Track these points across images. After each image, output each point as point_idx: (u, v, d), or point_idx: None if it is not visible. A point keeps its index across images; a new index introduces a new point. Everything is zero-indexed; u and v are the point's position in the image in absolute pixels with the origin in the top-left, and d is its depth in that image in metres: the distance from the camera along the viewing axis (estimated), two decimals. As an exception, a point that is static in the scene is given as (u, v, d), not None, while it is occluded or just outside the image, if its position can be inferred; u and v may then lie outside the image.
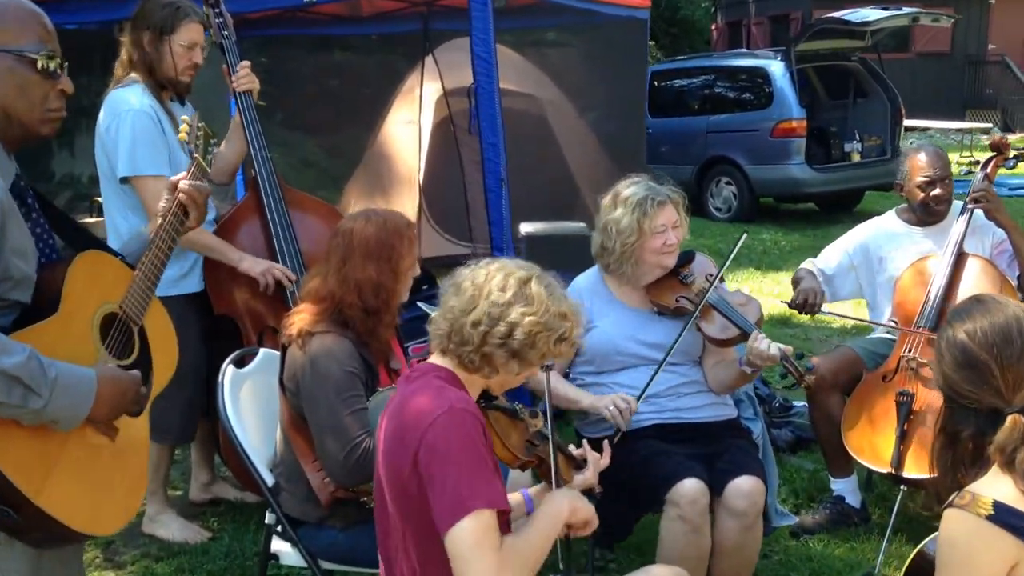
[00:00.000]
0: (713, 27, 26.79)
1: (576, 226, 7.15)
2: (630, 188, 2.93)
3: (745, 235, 3.19)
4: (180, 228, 2.20)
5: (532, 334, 1.87)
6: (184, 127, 2.34)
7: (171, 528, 3.55)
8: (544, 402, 2.08)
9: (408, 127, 6.98)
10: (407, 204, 6.84)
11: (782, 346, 2.79)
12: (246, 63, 3.45)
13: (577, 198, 6.91)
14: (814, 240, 9.45)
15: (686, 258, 3.02)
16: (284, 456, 2.60)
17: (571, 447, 2.29)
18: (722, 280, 3.01)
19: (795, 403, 4.37)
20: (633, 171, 6.99)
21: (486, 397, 2.02)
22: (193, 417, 3.51)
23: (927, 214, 3.56)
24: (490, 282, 1.89)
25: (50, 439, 1.79)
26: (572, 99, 6.75)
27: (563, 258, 6.55)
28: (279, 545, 2.65)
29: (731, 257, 3.06)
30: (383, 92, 6.96)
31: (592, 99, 6.90)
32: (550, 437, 2.07)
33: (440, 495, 1.77)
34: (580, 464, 2.21)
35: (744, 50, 15.10)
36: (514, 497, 2.13)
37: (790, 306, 3.46)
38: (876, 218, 3.77)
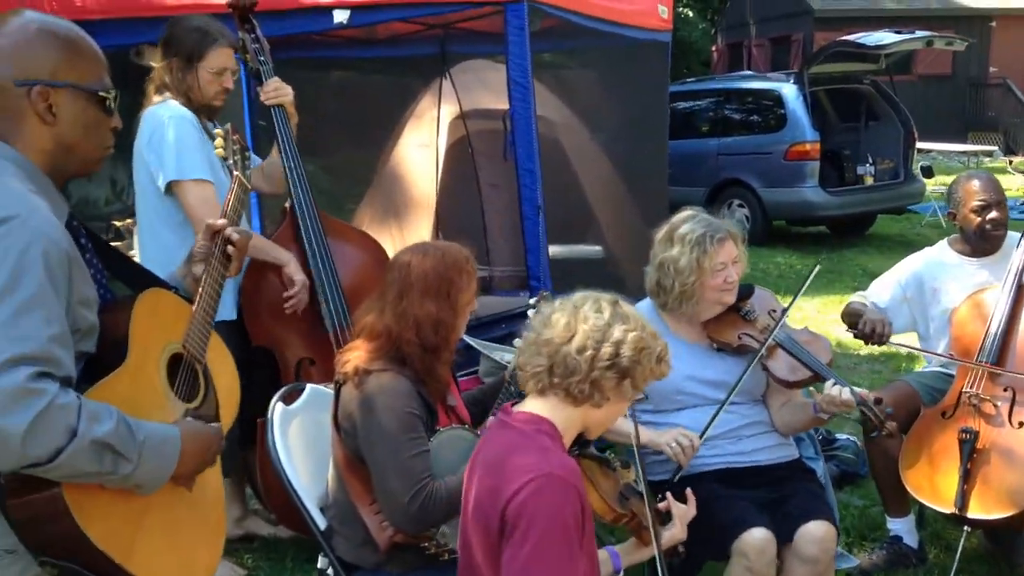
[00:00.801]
0: (713, 48, 26.88)
1: (592, 249, 7.12)
2: (687, 224, 2.82)
3: (818, 267, 3.08)
4: (224, 273, 2.11)
5: (638, 350, 1.83)
6: (219, 140, 2.26)
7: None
8: (632, 452, 1.98)
9: (421, 150, 6.90)
10: (422, 227, 6.75)
11: (859, 390, 2.68)
12: (276, 78, 3.37)
13: (592, 221, 6.85)
14: (829, 263, 9.40)
15: (745, 292, 2.91)
16: (337, 497, 2.49)
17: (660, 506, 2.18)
18: (784, 315, 2.90)
19: (839, 436, 4.27)
20: (653, 195, 7.00)
21: (580, 444, 1.92)
22: (233, 451, 3.40)
23: (983, 240, 3.47)
24: (582, 308, 1.86)
25: (133, 498, 1.70)
26: (587, 122, 6.68)
27: (578, 281, 6.50)
28: (330, 591, 2.54)
29: (800, 293, 2.95)
30: (395, 114, 6.88)
31: (609, 122, 6.83)
32: (644, 491, 1.96)
33: (511, 562, 1.69)
34: (665, 518, 2.11)
35: (752, 72, 15.07)
36: (600, 555, 2.03)
37: (856, 336, 3.35)
38: (927, 249, 3.68)
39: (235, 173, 2.22)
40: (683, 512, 2.14)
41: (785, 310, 2.85)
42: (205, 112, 3.28)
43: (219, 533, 2.04)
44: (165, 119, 3.14)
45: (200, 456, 1.82)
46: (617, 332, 1.83)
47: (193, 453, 1.78)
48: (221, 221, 2.10)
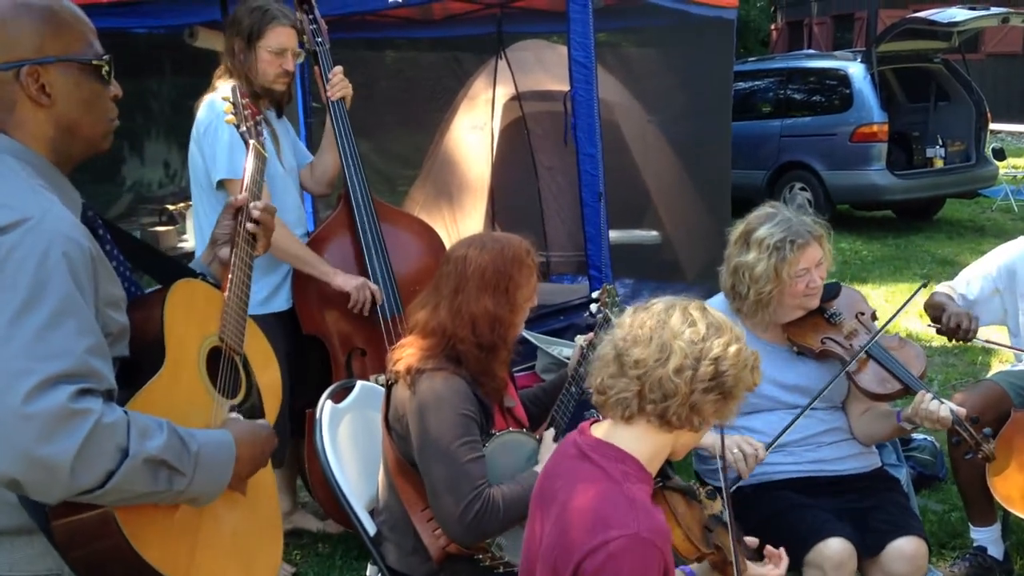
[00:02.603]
0: (773, 27, 26.24)
1: (648, 234, 6.93)
2: (765, 227, 2.57)
3: (924, 285, 2.89)
4: (252, 252, 1.94)
5: (739, 364, 1.62)
6: (227, 107, 2.09)
7: (251, 562, 3.34)
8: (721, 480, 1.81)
9: (475, 132, 6.76)
10: (476, 209, 6.62)
11: (956, 407, 2.46)
12: (339, 68, 3.25)
13: (649, 206, 6.66)
14: (896, 250, 9.08)
15: (831, 292, 2.69)
16: (388, 502, 2.36)
17: (743, 536, 2.01)
18: (874, 319, 2.69)
19: (915, 436, 4.03)
20: (715, 179, 6.79)
21: (662, 475, 1.75)
22: (283, 441, 3.30)
23: None
24: (671, 321, 1.63)
25: (187, 510, 1.57)
26: (647, 104, 6.48)
27: (635, 267, 6.36)
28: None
29: (903, 307, 2.72)
30: (449, 96, 6.76)
31: (670, 104, 6.62)
32: (730, 525, 1.79)
33: None
34: (751, 554, 1.94)
35: (814, 51, 14.61)
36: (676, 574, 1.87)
37: (939, 332, 3.10)
38: (1022, 238, 3.42)
39: (251, 142, 2.05)
40: (779, 558, 1.96)
41: (885, 324, 2.62)
42: (268, 98, 3.17)
43: (277, 530, 1.91)
44: (221, 114, 3.02)
45: (255, 459, 1.69)
46: (716, 347, 1.61)
47: (248, 457, 1.65)
48: (242, 196, 1.93)
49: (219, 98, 3.05)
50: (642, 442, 1.67)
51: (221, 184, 3.06)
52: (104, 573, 1.48)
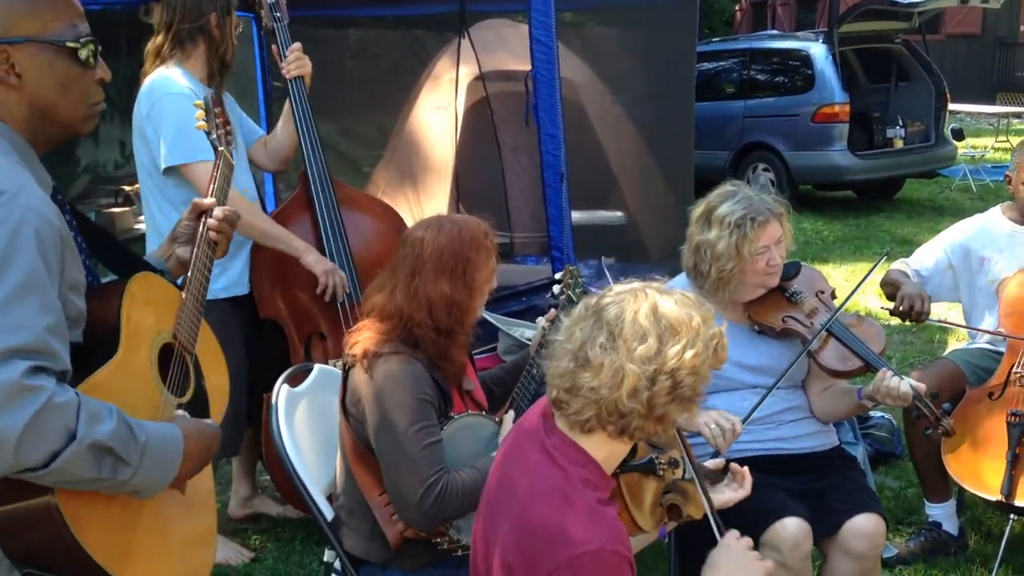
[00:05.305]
0: (737, 8, 26.28)
1: (613, 215, 6.94)
2: (726, 204, 2.56)
3: (885, 255, 2.92)
4: (212, 255, 1.94)
5: (696, 367, 1.57)
6: (199, 112, 2.08)
7: (211, 547, 3.31)
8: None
9: (439, 112, 6.70)
10: (440, 190, 6.58)
11: (916, 384, 2.47)
12: (296, 45, 3.19)
13: (614, 187, 6.67)
14: (857, 230, 9.16)
15: (791, 271, 2.70)
16: (346, 487, 2.34)
17: (707, 463, 2.03)
18: (834, 297, 2.70)
19: (873, 414, 4.08)
20: (678, 160, 6.80)
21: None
22: (239, 428, 3.27)
23: None
24: (622, 336, 1.56)
25: (127, 502, 1.55)
26: (610, 84, 6.46)
27: (599, 248, 6.36)
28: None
29: (862, 283, 2.74)
30: (412, 75, 6.69)
31: (633, 84, 6.61)
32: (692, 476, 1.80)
33: None
34: (716, 477, 1.96)
35: (777, 32, 14.67)
36: None
37: (892, 313, 3.13)
38: (978, 215, 3.46)
39: (219, 148, 2.06)
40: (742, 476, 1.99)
41: (840, 307, 2.63)
42: (223, 71, 3.12)
43: (211, 533, 1.91)
44: (164, 98, 2.96)
45: (200, 457, 1.67)
46: (671, 358, 1.54)
47: (194, 454, 1.63)
48: (209, 200, 1.94)
49: (159, 82, 2.99)
50: (601, 449, 1.65)
51: (169, 171, 3.00)
52: (40, 560, 1.47)
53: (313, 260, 3.11)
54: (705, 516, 1.83)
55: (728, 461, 2.10)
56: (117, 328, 1.61)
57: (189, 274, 1.86)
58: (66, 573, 1.50)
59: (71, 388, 1.42)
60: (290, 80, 3.18)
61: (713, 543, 1.80)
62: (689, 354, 1.56)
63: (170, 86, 2.97)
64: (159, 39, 3.07)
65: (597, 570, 1.50)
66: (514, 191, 6.67)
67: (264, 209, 3.43)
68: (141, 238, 3.26)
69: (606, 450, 1.65)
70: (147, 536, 1.61)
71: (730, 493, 1.98)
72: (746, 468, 2.05)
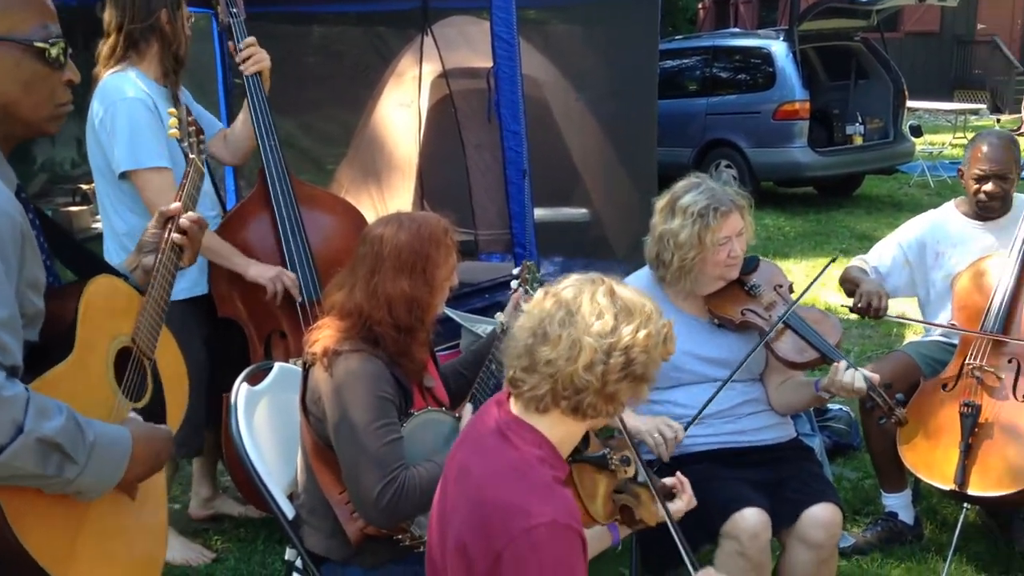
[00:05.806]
0: (700, 6, 26.45)
1: (577, 212, 6.96)
2: (689, 195, 2.61)
3: (834, 260, 2.97)
4: (177, 263, 1.92)
5: (649, 346, 1.62)
6: (173, 121, 2.08)
7: (172, 548, 3.25)
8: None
9: (402, 110, 6.68)
10: (404, 188, 6.56)
11: (870, 375, 2.52)
12: (251, 39, 3.16)
13: (578, 184, 6.69)
14: (817, 225, 9.27)
15: (750, 265, 2.74)
16: (307, 486, 2.33)
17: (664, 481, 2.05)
18: (791, 291, 2.74)
19: (831, 407, 4.14)
20: (641, 156, 6.84)
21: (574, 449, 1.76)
22: (199, 429, 3.24)
23: (981, 209, 3.32)
24: (580, 313, 1.62)
25: (72, 504, 1.53)
26: (573, 81, 6.48)
27: (563, 245, 6.38)
28: (299, 583, 2.39)
29: (817, 279, 2.79)
30: (375, 72, 6.66)
31: (596, 82, 6.63)
32: (645, 479, 1.81)
33: None
34: (668, 495, 1.98)
35: (739, 30, 14.79)
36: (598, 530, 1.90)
37: (852, 310, 3.18)
38: (932, 211, 3.52)
39: (191, 156, 2.06)
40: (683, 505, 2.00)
41: (796, 300, 2.67)
42: (177, 68, 3.07)
43: (161, 540, 1.89)
44: (118, 103, 2.92)
45: (150, 461, 1.66)
46: (626, 336, 1.60)
47: (143, 458, 1.62)
48: (175, 206, 1.91)
49: (113, 85, 2.94)
50: (555, 429, 1.68)
51: (124, 175, 2.96)
52: None
53: (256, 273, 3.09)
54: (660, 525, 1.86)
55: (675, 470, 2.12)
56: (74, 328, 1.60)
57: (152, 279, 1.84)
58: (7, 575, 1.48)
59: (20, 383, 1.40)
60: (247, 77, 3.15)
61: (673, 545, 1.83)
62: (642, 333, 1.62)
63: (124, 90, 2.93)
64: (111, 40, 3.02)
65: (551, 542, 1.52)
66: (478, 188, 6.67)
67: (224, 206, 3.40)
68: (98, 237, 3.22)
69: (561, 430, 1.68)
70: (92, 538, 1.60)
71: (680, 503, 2.01)
72: (682, 476, 2.08)
